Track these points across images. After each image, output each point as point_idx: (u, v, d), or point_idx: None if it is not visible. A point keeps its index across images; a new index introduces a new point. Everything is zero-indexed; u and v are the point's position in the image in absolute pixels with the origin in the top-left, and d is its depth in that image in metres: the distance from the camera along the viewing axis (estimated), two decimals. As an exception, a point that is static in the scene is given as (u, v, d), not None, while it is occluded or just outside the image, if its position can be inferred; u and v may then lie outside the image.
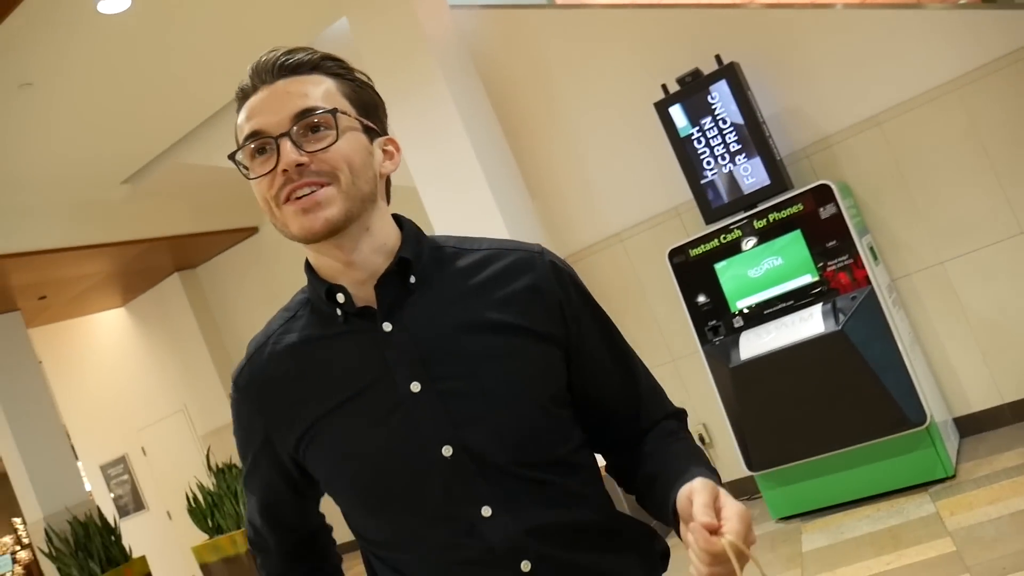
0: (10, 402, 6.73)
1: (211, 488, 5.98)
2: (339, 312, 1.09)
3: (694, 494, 0.92)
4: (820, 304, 3.85)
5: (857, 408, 3.72)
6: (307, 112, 1.03)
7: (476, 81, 4.84)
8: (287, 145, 1.02)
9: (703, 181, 4.23)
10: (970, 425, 4.20)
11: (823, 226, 3.88)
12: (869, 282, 3.79)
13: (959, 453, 4.01)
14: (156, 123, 5.67)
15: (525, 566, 1.03)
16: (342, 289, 1.08)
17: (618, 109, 4.72)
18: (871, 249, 4.03)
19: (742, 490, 4.57)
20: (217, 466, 6.07)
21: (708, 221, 4.27)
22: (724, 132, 4.12)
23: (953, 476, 3.75)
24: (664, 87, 4.31)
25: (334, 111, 1.04)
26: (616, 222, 4.89)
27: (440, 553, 1.06)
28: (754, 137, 4.06)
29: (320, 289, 1.09)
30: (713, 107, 4.13)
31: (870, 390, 3.68)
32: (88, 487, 8.87)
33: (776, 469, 3.98)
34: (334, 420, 1.07)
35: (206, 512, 5.92)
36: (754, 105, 4.10)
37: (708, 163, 4.20)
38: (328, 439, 1.08)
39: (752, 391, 3.88)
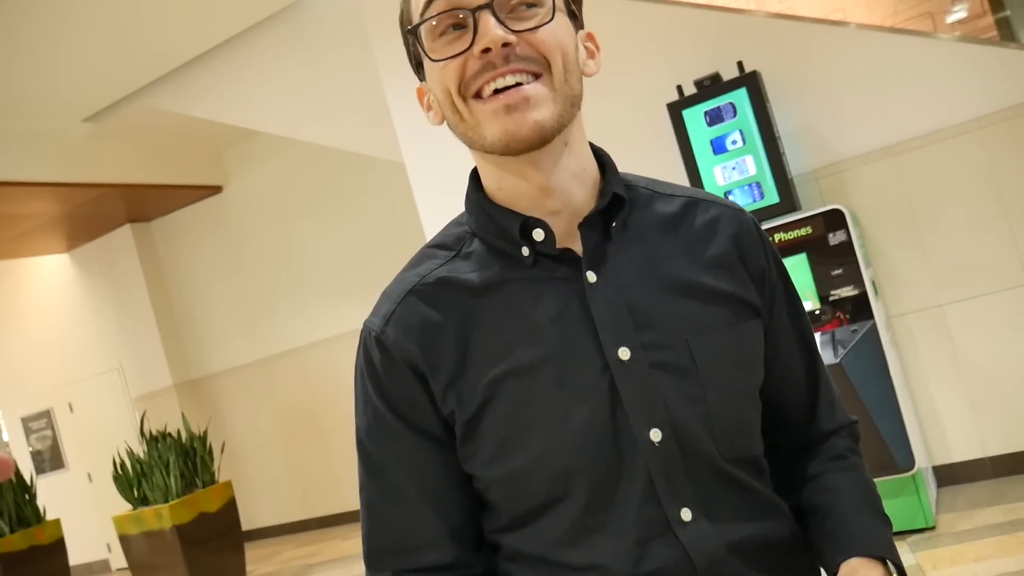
0: (-68, 339, 6.27)
1: (141, 456, 5.59)
2: (526, 251, 0.86)
3: None
4: (819, 334, 3.67)
5: (845, 446, 3.55)
6: None
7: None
8: (489, 19, 0.79)
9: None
10: (947, 475, 4.07)
11: (831, 252, 3.71)
12: (872, 316, 3.63)
13: (936, 503, 3.87)
14: (131, 59, 5.27)
15: None
16: (542, 224, 0.85)
17: (625, 107, 4.50)
18: (872, 283, 3.87)
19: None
20: (151, 433, 5.68)
21: (708, 234, 4.06)
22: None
23: (933, 527, 3.60)
24: (679, 88, 4.10)
25: None
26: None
27: (621, 560, 0.83)
28: (768, 152, 3.87)
29: (511, 223, 0.86)
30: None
31: (861, 429, 3.51)
32: (6, 437, 8.38)
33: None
34: (515, 384, 0.83)
35: (133, 481, 5.53)
36: (772, 119, 3.91)
37: (715, 173, 4.00)
38: (503, 409, 0.84)
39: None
